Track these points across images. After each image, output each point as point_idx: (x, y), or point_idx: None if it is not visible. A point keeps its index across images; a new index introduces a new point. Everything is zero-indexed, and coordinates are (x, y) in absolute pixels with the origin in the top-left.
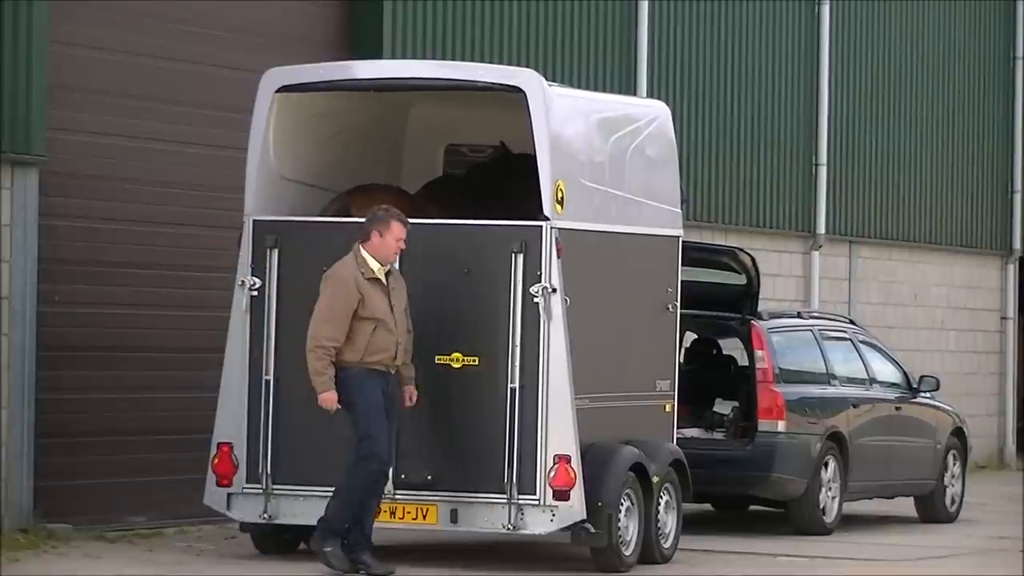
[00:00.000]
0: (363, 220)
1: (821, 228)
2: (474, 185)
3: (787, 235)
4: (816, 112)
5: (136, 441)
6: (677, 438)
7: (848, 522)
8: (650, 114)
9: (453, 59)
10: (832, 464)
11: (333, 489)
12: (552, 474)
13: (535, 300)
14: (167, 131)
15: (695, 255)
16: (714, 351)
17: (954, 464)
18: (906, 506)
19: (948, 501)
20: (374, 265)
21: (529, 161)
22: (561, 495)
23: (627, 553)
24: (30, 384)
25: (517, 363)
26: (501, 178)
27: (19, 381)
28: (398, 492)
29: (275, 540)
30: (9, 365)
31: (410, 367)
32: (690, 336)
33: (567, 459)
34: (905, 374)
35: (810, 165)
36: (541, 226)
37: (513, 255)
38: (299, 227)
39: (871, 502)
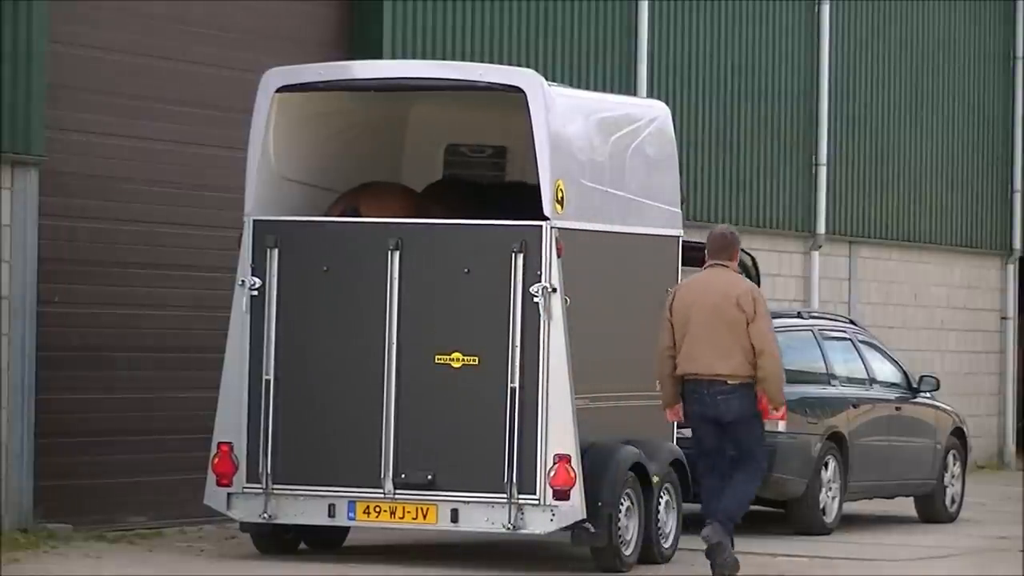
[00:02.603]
0: (375, 221)
1: (821, 228)
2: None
3: (787, 235)
4: (816, 112)
5: (136, 441)
6: (677, 438)
7: (848, 522)
8: (650, 114)
9: (453, 59)
10: (832, 464)
11: (735, 492)
12: (552, 474)
13: (535, 300)
14: (167, 131)
15: (695, 255)
16: None
17: (954, 464)
18: (906, 506)
19: (948, 501)
20: None
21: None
22: (561, 495)
23: (627, 553)
24: (30, 384)
25: (517, 363)
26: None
27: (19, 381)
28: (398, 492)
29: (275, 540)
30: (9, 365)
31: None
32: None
33: (567, 459)
34: (905, 374)
35: (810, 165)
36: (541, 226)
37: (513, 255)
38: (299, 227)
39: (871, 502)
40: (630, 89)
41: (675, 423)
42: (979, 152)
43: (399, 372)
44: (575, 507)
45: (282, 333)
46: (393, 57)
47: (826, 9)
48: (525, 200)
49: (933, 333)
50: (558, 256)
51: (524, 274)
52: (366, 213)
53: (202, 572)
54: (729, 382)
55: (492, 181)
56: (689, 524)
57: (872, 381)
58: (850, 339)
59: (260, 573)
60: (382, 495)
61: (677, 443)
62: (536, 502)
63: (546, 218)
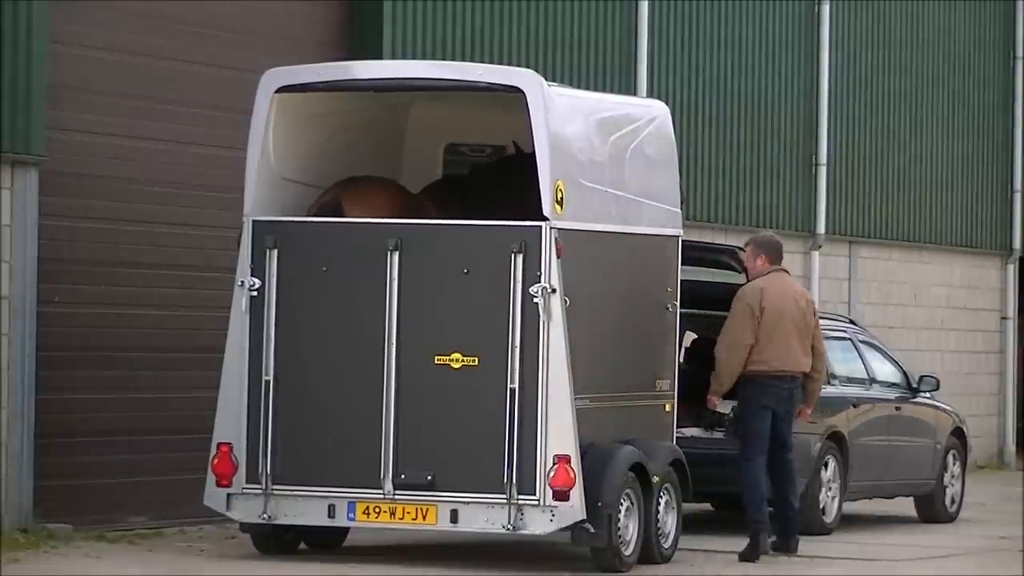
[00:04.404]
0: (374, 221)
1: (821, 228)
2: (474, 187)
3: (787, 235)
4: (816, 112)
5: (136, 441)
6: (677, 438)
7: (848, 522)
8: (650, 114)
9: (453, 59)
10: (832, 464)
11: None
12: (552, 474)
13: (535, 300)
14: (167, 131)
15: (695, 254)
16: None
17: (954, 464)
18: (906, 506)
19: (948, 501)
20: None
21: (531, 161)
22: (561, 495)
23: (627, 553)
24: (30, 384)
25: (516, 363)
26: (500, 180)
27: (19, 381)
28: (398, 492)
29: (275, 540)
30: (9, 365)
31: None
32: (690, 336)
33: (567, 459)
34: (905, 374)
35: (810, 165)
36: (540, 226)
37: (513, 255)
38: (299, 227)
39: (871, 502)
40: (630, 89)
41: (675, 422)
42: (979, 152)
43: (399, 372)
44: (575, 507)
45: (281, 333)
46: (393, 57)
47: (826, 9)
48: (525, 177)
49: (933, 333)
50: (557, 256)
51: (524, 274)
52: (348, 209)
53: (202, 572)
54: (799, 378)
55: (487, 160)
56: (689, 524)
57: (872, 381)
58: (850, 339)
59: (260, 573)
60: (382, 495)
61: (677, 443)
62: (536, 502)
63: (546, 218)
